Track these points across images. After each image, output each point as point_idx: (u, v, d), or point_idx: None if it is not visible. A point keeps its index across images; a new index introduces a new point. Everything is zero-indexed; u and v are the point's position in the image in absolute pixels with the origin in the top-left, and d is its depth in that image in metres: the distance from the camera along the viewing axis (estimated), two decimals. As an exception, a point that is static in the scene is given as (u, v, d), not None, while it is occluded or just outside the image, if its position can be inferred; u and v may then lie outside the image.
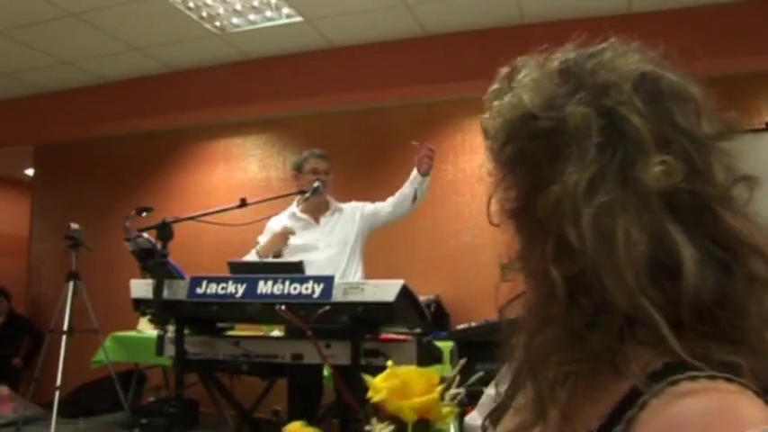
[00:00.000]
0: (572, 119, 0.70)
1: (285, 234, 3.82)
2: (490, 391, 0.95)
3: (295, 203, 4.05)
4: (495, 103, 0.78)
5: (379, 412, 0.81)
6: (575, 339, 0.70)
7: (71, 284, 5.64)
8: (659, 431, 0.62)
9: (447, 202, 5.73)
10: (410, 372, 0.82)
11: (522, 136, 0.74)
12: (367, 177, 5.88)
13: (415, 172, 3.85)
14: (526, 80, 0.76)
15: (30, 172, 8.45)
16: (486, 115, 0.79)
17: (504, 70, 0.80)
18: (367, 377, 0.82)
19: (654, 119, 0.69)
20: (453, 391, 0.86)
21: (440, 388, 0.81)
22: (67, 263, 5.79)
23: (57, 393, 5.13)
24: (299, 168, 4.02)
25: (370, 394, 0.82)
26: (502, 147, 0.76)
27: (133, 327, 5.73)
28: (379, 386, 0.81)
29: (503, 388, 0.88)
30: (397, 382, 0.80)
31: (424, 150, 3.82)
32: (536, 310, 0.75)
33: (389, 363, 0.84)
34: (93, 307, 5.69)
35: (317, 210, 3.99)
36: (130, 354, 5.60)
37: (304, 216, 3.98)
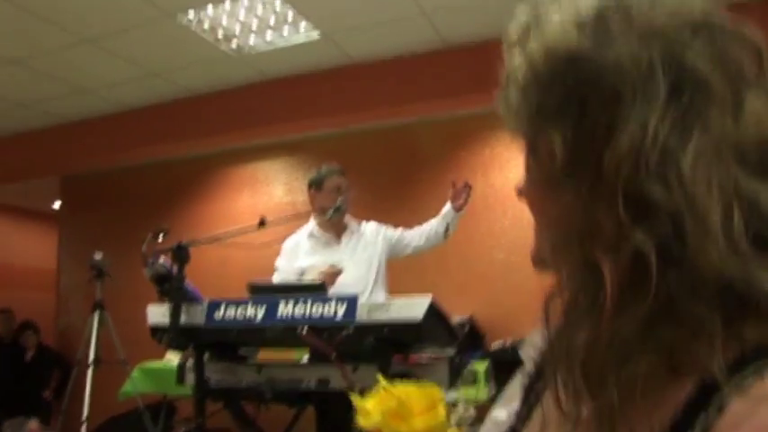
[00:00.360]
0: (630, 60, 0.59)
1: (334, 273, 3.57)
2: (498, 413, 0.81)
3: (313, 222, 3.90)
4: (529, 44, 0.65)
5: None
6: (659, 324, 0.57)
7: (96, 315, 5.56)
8: None
9: (478, 218, 5.56)
10: (407, 389, 0.68)
11: (569, 79, 0.61)
12: (394, 197, 5.76)
13: (448, 206, 3.78)
14: (563, 18, 0.64)
15: (57, 205, 8.47)
16: (517, 59, 0.66)
17: (528, 7, 0.68)
18: (354, 397, 0.69)
19: (721, 67, 0.59)
20: (460, 412, 0.73)
21: (444, 408, 0.68)
22: (94, 293, 5.72)
23: (84, 427, 5.03)
24: (318, 185, 3.84)
25: (359, 420, 0.68)
26: (541, 95, 0.64)
27: (161, 357, 5.63)
28: (371, 409, 0.67)
29: (511, 407, 0.79)
30: (393, 404, 0.65)
31: (460, 185, 3.76)
32: (588, 298, 0.61)
33: (379, 378, 0.70)
34: (121, 337, 5.60)
35: (337, 229, 3.85)
36: (158, 384, 5.48)
37: (326, 235, 3.84)
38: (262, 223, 3.41)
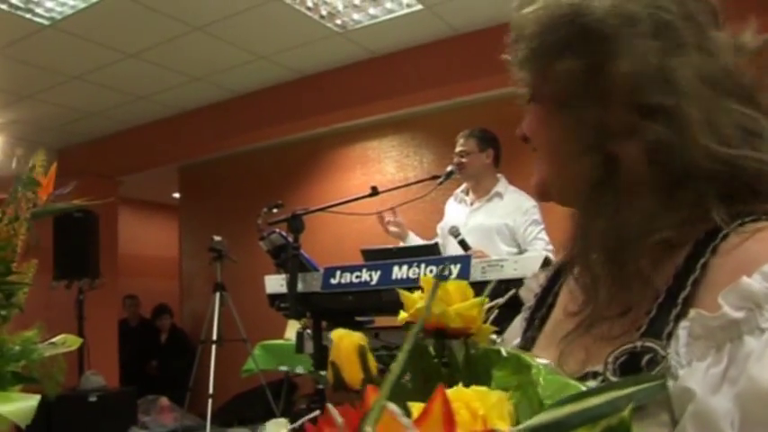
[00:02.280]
0: (619, 10, 0.74)
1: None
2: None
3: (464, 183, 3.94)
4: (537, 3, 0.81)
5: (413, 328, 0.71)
6: (661, 206, 0.73)
7: (218, 296, 5.74)
8: (739, 265, 0.64)
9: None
10: (447, 284, 0.75)
11: (572, 23, 0.76)
12: (510, 166, 5.66)
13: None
14: None
15: (177, 195, 8.82)
16: (528, 9, 0.81)
17: None
18: (402, 292, 0.77)
19: (688, 20, 0.76)
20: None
21: (477, 301, 0.74)
22: (215, 277, 5.92)
23: (209, 402, 5.21)
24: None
25: (404, 310, 0.77)
26: (551, 36, 0.78)
27: (281, 335, 5.76)
28: (416, 298, 0.76)
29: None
30: (437, 290, 0.70)
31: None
32: (607, 189, 0.76)
33: (422, 276, 0.79)
34: (241, 317, 5.77)
35: (475, 191, 3.83)
36: (279, 361, 5.61)
37: (463, 197, 3.89)
38: (374, 192, 3.41)
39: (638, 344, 0.69)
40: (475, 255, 3.09)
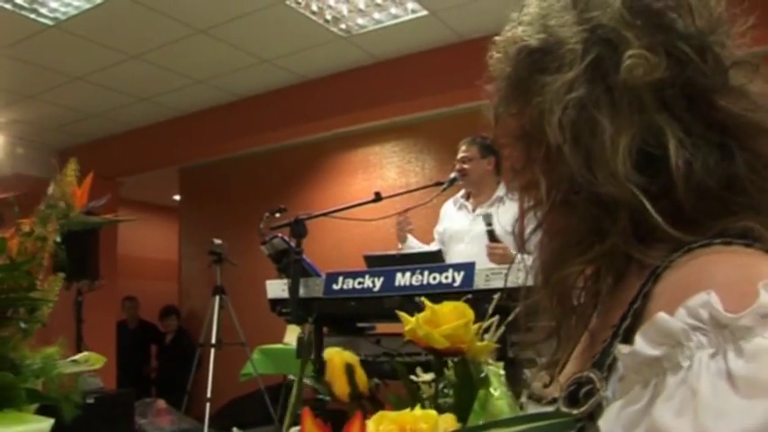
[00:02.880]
0: (557, 37, 0.74)
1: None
2: None
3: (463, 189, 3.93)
4: (498, 38, 0.83)
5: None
6: (583, 242, 0.73)
7: (217, 299, 5.72)
8: (673, 295, 0.61)
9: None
10: (442, 306, 0.81)
11: (513, 60, 0.78)
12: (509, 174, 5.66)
13: None
14: (526, 13, 0.80)
15: (177, 197, 8.81)
16: (493, 52, 0.84)
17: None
18: (401, 314, 0.84)
19: (640, 25, 0.71)
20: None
21: (469, 319, 0.80)
22: (214, 280, 5.90)
23: (207, 406, 5.19)
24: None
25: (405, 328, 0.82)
26: (502, 77, 0.81)
27: (280, 340, 5.74)
28: (410, 318, 0.82)
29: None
30: (428, 313, 0.80)
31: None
32: (543, 225, 0.79)
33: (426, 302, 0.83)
34: (240, 321, 5.75)
35: (476, 197, 3.83)
36: (278, 366, 5.59)
37: (464, 203, 3.87)
38: (377, 198, 3.40)
39: (584, 374, 0.68)
40: (496, 249, 3.11)
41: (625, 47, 0.69)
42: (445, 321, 0.80)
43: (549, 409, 0.75)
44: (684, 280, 0.63)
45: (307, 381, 1.06)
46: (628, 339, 0.65)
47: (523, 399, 0.84)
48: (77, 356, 1.05)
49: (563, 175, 0.72)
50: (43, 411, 0.98)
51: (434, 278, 2.75)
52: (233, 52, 5.31)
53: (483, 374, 0.76)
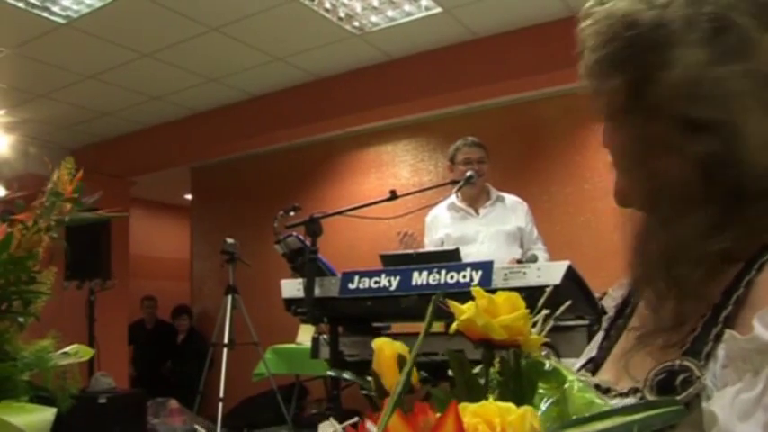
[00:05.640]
0: (676, 17, 0.72)
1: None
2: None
3: (453, 194, 3.86)
4: (595, 9, 0.79)
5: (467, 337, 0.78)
6: (716, 221, 0.70)
7: (229, 298, 5.70)
8: None
9: (607, 194, 5.32)
10: (495, 296, 0.76)
11: (625, 35, 0.74)
12: (522, 173, 5.62)
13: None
14: None
15: (189, 197, 8.80)
16: (586, 22, 0.80)
17: None
18: (451, 302, 0.76)
19: (761, 14, 0.70)
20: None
21: (525, 310, 0.75)
22: (227, 279, 5.88)
23: (220, 405, 5.16)
24: (452, 159, 3.89)
25: (456, 318, 0.76)
26: (603, 48, 0.77)
27: (292, 340, 5.72)
28: (465, 308, 0.75)
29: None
30: (484, 301, 0.74)
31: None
32: (664, 205, 0.75)
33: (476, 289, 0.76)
34: (253, 321, 5.72)
35: (476, 200, 3.85)
36: (290, 366, 5.58)
37: (463, 206, 3.83)
38: (393, 196, 3.36)
39: (677, 362, 0.67)
40: None
41: (758, 33, 0.70)
42: (502, 311, 0.76)
43: (621, 400, 0.74)
44: None
45: (345, 375, 1.02)
46: (729, 327, 0.65)
47: None
48: (68, 348, 1.06)
49: (696, 153, 0.70)
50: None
51: (452, 277, 2.71)
52: (246, 50, 5.28)
53: (548, 368, 0.72)
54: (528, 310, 0.79)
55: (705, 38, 0.70)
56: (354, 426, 0.60)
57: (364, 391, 0.97)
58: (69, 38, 4.94)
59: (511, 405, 0.54)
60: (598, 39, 0.77)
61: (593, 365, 0.90)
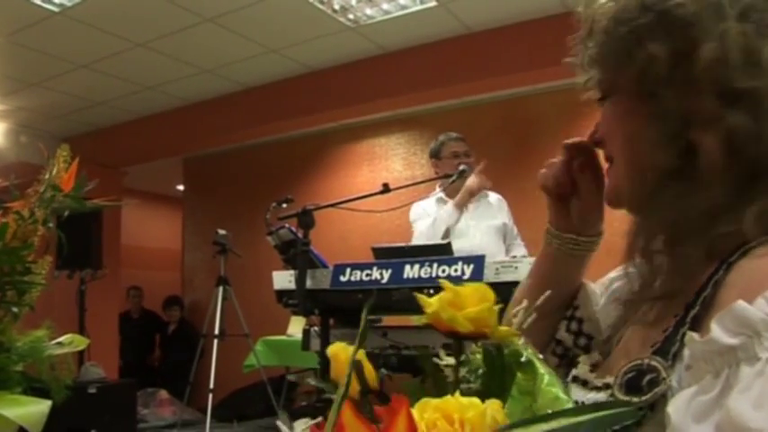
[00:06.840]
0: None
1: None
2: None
3: (439, 189, 3.84)
4: None
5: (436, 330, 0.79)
6: (731, 198, 0.70)
7: (221, 289, 5.70)
8: (749, 285, 0.60)
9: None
10: (464, 287, 0.76)
11: (650, 9, 0.75)
12: (515, 168, 5.63)
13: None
14: None
15: (181, 187, 8.78)
16: (601, 2, 0.80)
17: None
18: (419, 296, 0.78)
19: None
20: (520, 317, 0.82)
21: (493, 302, 0.74)
22: (218, 270, 5.88)
23: (210, 396, 5.17)
24: (437, 155, 3.87)
25: (425, 311, 0.77)
26: (624, 26, 0.76)
27: (283, 331, 5.73)
28: (432, 301, 0.76)
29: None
30: (450, 295, 0.75)
31: None
32: (681, 179, 0.74)
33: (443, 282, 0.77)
34: (244, 312, 5.73)
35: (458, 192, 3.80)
36: (281, 358, 5.59)
37: (448, 201, 3.78)
38: (385, 189, 3.36)
39: (646, 361, 0.68)
40: None
41: None
42: (468, 304, 0.75)
43: (596, 394, 0.75)
44: (763, 270, 0.62)
45: (311, 381, 1.02)
46: (696, 328, 0.65)
47: (568, 380, 0.84)
48: (62, 338, 1.06)
49: (729, 126, 0.70)
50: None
51: (443, 270, 2.72)
52: (240, 41, 5.27)
53: (523, 359, 0.72)
54: (502, 304, 0.79)
55: (737, 13, 0.71)
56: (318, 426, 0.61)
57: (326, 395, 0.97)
58: (63, 26, 4.91)
59: (474, 400, 0.55)
60: (621, 15, 0.77)
61: (608, 348, 0.90)
